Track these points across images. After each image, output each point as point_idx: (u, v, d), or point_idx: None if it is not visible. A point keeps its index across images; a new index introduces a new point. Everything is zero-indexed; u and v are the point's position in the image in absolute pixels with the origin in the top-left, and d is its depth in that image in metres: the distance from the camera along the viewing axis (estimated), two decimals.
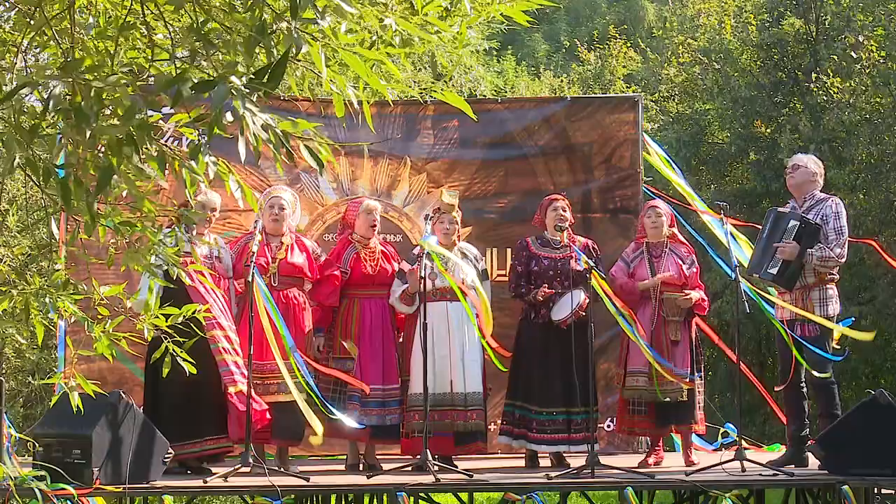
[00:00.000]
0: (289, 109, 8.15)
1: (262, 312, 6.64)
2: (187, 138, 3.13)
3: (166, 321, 4.04)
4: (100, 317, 4.02)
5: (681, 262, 7.35)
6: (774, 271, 6.95)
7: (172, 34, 3.40)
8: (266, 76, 2.92)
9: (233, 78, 2.91)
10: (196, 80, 2.94)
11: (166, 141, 6.59)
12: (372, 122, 8.22)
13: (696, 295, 7.26)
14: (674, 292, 7.24)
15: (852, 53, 13.72)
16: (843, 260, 6.96)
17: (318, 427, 6.31)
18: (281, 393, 6.98)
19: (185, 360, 4.13)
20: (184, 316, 4.06)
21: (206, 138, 3.04)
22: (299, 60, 3.07)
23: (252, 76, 2.95)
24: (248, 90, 2.94)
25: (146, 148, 3.13)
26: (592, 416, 6.93)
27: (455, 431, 7.10)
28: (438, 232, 7.22)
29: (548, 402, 7.25)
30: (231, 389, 6.73)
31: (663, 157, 8.68)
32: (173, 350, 4.10)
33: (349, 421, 6.73)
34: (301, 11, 2.90)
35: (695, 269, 7.39)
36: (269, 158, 8.36)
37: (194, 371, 4.23)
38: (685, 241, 7.56)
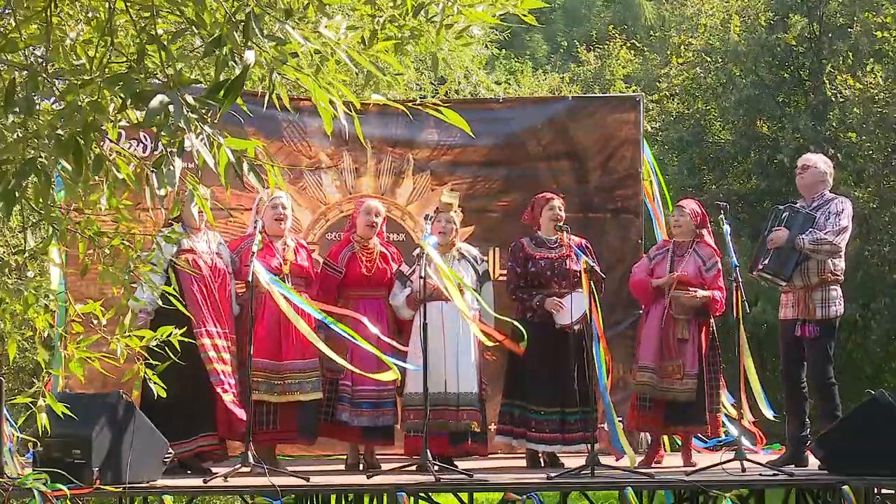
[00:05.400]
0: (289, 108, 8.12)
1: (285, 306, 6.64)
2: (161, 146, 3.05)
3: (140, 342, 4.02)
4: (74, 333, 4.00)
5: (701, 263, 7.34)
6: (766, 260, 6.95)
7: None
8: (222, 92, 2.88)
9: (186, 96, 2.87)
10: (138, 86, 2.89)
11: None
12: (375, 119, 8.26)
13: (703, 293, 7.24)
14: (686, 291, 7.24)
15: (878, 33, 13.64)
16: (840, 249, 6.90)
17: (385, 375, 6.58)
18: (301, 392, 7.03)
19: (156, 384, 4.11)
20: (157, 339, 4.04)
21: (175, 159, 2.99)
22: (282, 77, 3.05)
23: (209, 90, 2.91)
24: (200, 105, 2.91)
25: (94, 149, 3.08)
26: (591, 416, 6.94)
27: (449, 431, 7.08)
28: (436, 231, 7.21)
29: (544, 402, 7.24)
30: (226, 398, 6.76)
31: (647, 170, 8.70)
32: (145, 373, 4.08)
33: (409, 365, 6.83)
34: (252, 35, 2.87)
35: (715, 272, 7.35)
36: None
37: (164, 395, 4.21)
38: (711, 243, 7.52)
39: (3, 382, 6.25)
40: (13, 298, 3.82)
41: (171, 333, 4.07)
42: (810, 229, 6.86)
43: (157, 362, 4.55)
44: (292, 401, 7.03)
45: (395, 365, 6.68)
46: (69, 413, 4.31)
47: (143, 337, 4.00)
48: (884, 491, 6.56)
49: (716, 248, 7.47)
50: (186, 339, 4.38)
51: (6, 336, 4.04)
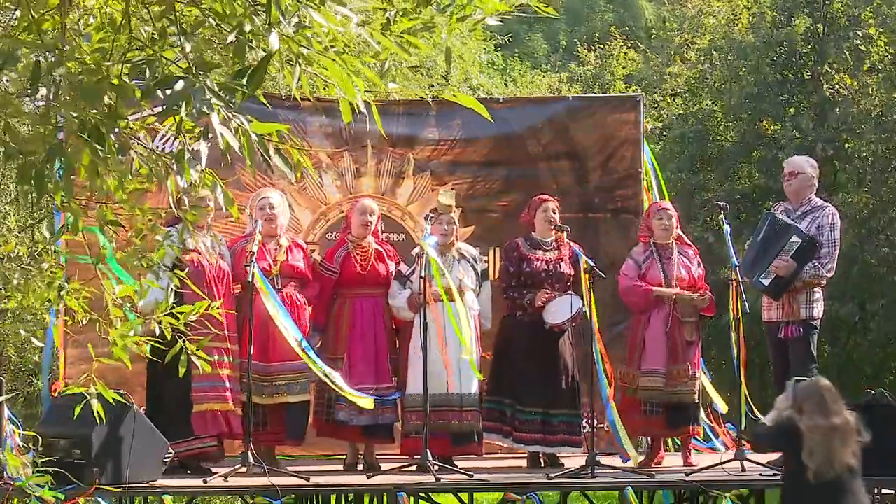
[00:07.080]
0: (291, 107, 8.14)
1: (273, 309, 6.64)
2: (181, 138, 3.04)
3: (178, 320, 4.01)
4: (112, 318, 3.99)
5: (689, 264, 7.35)
6: (766, 283, 7.06)
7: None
8: (246, 77, 2.87)
9: (207, 81, 2.86)
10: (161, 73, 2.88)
11: (164, 141, 6.57)
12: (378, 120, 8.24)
13: (708, 294, 7.27)
14: (691, 293, 7.24)
15: (862, 47, 13.64)
16: (831, 275, 7.10)
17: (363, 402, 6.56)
18: (288, 394, 7.02)
19: (200, 358, 4.10)
20: (196, 312, 4.03)
21: (201, 142, 2.98)
22: (304, 66, 3.04)
23: (233, 76, 2.90)
24: (224, 90, 2.89)
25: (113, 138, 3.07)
26: (577, 419, 6.98)
27: (451, 432, 7.08)
28: (437, 232, 7.21)
29: (527, 402, 7.22)
30: (197, 407, 6.74)
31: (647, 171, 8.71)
32: (188, 349, 4.07)
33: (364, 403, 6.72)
34: (276, 22, 2.85)
35: (701, 271, 7.39)
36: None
37: (209, 369, 4.21)
38: (690, 242, 7.55)
39: (3, 382, 6.26)
40: (45, 287, 3.83)
41: (209, 306, 4.06)
42: (813, 263, 6.98)
43: (156, 359, 4.54)
44: (280, 402, 7.03)
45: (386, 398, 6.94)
46: (121, 400, 4.30)
47: (182, 314, 4.00)
48: (884, 491, 6.56)
49: (694, 246, 7.54)
50: (226, 311, 4.35)
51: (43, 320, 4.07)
